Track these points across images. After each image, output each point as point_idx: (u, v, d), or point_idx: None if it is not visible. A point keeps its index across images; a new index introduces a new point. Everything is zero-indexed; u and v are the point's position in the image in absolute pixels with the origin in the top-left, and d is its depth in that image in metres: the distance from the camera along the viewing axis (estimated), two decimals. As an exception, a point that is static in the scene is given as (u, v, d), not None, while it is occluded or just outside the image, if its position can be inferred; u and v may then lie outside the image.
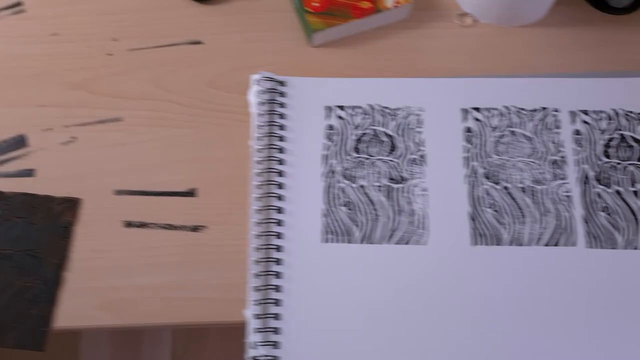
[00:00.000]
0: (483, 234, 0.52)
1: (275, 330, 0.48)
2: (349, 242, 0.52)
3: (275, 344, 0.48)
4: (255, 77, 0.57)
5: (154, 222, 0.52)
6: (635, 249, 0.51)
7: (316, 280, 0.51)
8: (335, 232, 0.52)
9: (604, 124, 0.56)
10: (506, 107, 0.57)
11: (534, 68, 0.60)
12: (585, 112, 0.56)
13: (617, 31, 0.61)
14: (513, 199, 0.53)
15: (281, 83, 0.58)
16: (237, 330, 0.49)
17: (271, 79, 0.57)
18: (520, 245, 0.52)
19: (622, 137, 0.55)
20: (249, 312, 0.49)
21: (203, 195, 0.54)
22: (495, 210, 0.53)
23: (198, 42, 0.61)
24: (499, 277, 0.51)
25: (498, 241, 0.52)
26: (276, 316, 0.49)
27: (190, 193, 0.54)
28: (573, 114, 0.56)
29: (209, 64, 0.60)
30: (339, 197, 0.54)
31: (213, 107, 0.58)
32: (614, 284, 0.50)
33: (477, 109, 0.57)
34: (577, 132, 0.56)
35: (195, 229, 0.52)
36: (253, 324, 0.48)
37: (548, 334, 0.49)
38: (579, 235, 0.52)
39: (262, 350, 0.48)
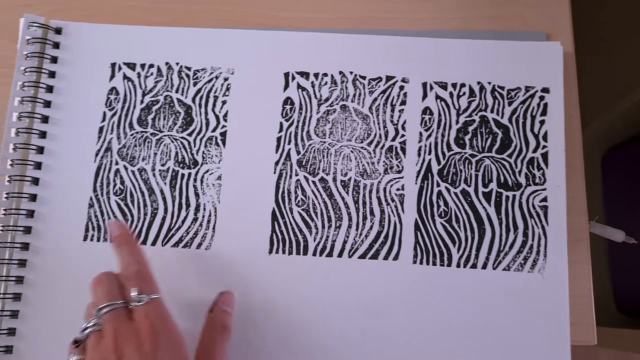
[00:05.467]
0: (284, 239, 0.41)
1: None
2: (118, 241, 0.41)
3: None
4: (23, 21, 0.44)
5: None
6: (474, 268, 0.40)
7: (71, 286, 0.41)
8: (100, 229, 0.42)
9: (463, 102, 0.43)
10: (342, 74, 0.44)
11: (386, 20, 0.46)
12: (443, 85, 0.43)
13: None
14: (330, 195, 0.42)
15: (56, 30, 0.45)
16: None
17: (41, 25, 0.44)
18: (330, 257, 0.41)
19: (484, 121, 0.43)
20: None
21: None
22: (306, 210, 0.42)
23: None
24: (300, 291, 0.40)
25: (304, 250, 0.41)
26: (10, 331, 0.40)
27: None
28: (426, 87, 0.43)
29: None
30: (112, 183, 0.42)
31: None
32: (442, 306, 0.40)
33: (305, 75, 0.44)
34: (427, 111, 0.43)
35: None
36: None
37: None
38: (406, 247, 0.41)
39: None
